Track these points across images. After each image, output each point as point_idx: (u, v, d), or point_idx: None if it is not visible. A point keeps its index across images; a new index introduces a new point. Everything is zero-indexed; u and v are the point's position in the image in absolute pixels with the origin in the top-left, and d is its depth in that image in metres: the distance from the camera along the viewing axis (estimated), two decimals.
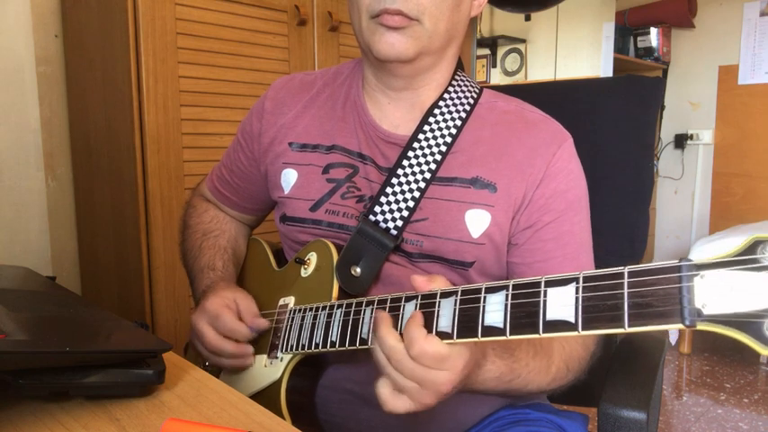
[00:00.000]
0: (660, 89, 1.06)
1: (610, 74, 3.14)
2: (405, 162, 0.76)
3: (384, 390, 0.59)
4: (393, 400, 0.58)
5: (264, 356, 0.79)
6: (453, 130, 0.77)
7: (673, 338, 2.71)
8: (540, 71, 3.39)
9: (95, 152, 1.55)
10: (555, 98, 1.08)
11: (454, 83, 0.81)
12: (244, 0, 1.53)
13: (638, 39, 3.53)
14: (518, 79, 3.43)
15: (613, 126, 1.01)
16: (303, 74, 0.91)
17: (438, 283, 0.59)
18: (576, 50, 3.23)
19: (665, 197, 3.69)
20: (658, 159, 3.67)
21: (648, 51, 3.50)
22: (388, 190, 0.76)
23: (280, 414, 0.72)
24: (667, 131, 3.63)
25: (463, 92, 0.81)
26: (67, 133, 1.66)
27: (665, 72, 3.61)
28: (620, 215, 0.99)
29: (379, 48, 0.72)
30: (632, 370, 0.82)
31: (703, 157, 3.52)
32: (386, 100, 0.81)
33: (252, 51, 1.56)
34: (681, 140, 3.58)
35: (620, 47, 3.39)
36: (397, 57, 0.72)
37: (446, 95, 0.80)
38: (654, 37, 3.47)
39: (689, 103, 3.57)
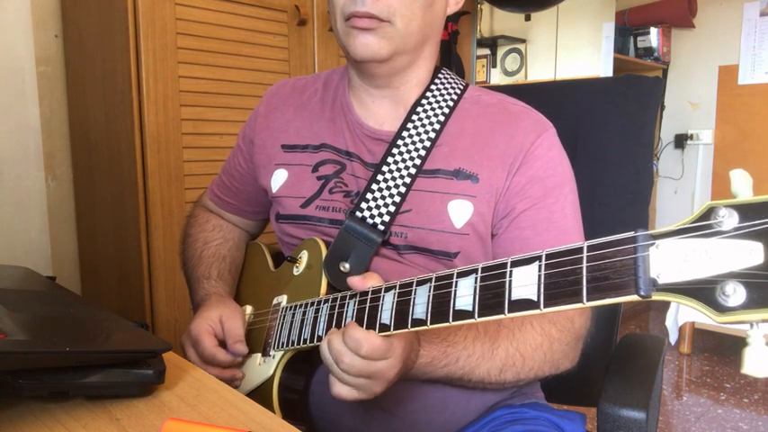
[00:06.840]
0: (659, 89, 1.07)
1: (610, 74, 3.14)
2: (390, 158, 0.78)
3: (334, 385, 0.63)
4: (338, 387, 0.63)
5: (259, 355, 0.80)
6: (437, 126, 0.79)
7: (673, 338, 2.70)
8: (540, 71, 3.39)
9: (95, 152, 1.55)
10: (555, 98, 1.08)
11: (437, 81, 0.83)
12: (244, 0, 1.53)
13: (638, 39, 3.52)
14: (518, 79, 3.43)
15: (613, 126, 1.01)
16: (295, 79, 0.94)
17: (374, 280, 0.63)
18: (576, 50, 3.23)
19: (665, 197, 3.69)
20: (658, 159, 3.66)
21: (648, 51, 3.50)
22: (374, 186, 0.77)
23: (273, 411, 0.72)
24: (667, 131, 3.63)
25: (446, 88, 0.83)
26: (67, 133, 1.66)
27: (665, 72, 3.61)
28: (620, 215, 0.99)
29: (353, 49, 0.74)
30: (632, 369, 0.82)
31: (703, 157, 3.52)
32: (370, 99, 0.83)
33: (252, 51, 1.56)
34: (681, 140, 3.58)
35: (620, 47, 3.38)
36: (372, 57, 0.74)
37: (429, 93, 0.81)
38: (654, 37, 3.47)
39: (689, 103, 3.57)
